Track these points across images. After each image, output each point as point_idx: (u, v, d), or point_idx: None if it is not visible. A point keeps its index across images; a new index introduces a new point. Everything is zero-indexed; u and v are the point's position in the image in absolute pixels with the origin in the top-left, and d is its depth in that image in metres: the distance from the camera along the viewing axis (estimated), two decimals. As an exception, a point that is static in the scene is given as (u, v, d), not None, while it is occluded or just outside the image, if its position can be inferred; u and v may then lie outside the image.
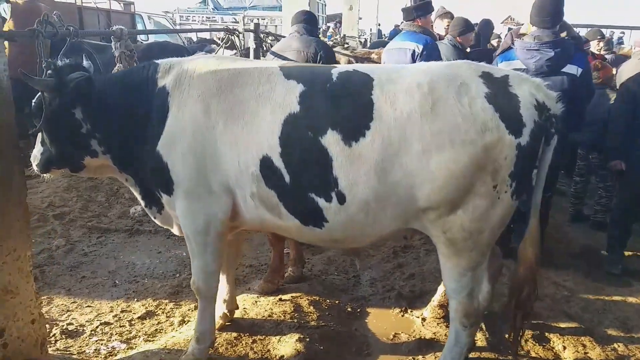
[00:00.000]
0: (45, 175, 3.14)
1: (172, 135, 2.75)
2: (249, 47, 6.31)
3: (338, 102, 2.55)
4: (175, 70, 2.84)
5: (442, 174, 2.41)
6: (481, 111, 2.38)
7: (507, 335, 3.52)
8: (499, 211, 2.52)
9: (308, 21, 4.69)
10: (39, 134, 3.02)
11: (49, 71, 2.80)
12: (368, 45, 14.54)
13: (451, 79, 2.46)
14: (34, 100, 2.87)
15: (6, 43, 7.03)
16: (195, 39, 14.14)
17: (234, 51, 6.36)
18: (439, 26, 6.12)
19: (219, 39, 9.99)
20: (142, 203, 3.22)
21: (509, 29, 6.58)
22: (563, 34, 4.35)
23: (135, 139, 2.91)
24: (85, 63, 2.94)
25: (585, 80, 4.15)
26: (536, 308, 3.94)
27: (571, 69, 4.05)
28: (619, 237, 4.84)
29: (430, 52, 4.66)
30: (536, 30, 4.23)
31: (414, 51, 4.72)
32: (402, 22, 5.42)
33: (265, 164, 2.62)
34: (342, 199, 2.56)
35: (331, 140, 2.50)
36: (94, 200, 6.35)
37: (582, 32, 9.02)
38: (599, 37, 8.19)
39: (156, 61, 2.98)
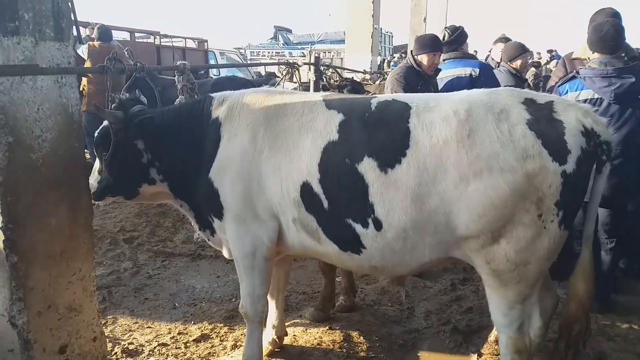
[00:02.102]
0: (99, 202, 3.37)
1: (222, 162, 2.92)
2: (310, 80, 6.48)
3: (375, 130, 2.60)
4: (228, 102, 3.02)
5: (481, 201, 2.37)
6: (522, 138, 2.32)
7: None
8: (546, 242, 2.41)
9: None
10: (96, 163, 3.28)
11: (114, 104, 3.06)
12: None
13: (490, 105, 2.43)
14: (97, 131, 3.13)
15: (84, 81, 7.71)
16: (263, 73, 14.75)
17: (295, 84, 6.55)
18: (496, 52, 6.03)
19: (281, 72, 10.36)
20: (196, 227, 3.39)
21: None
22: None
23: (190, 167, 3.10)
24: (142, 97, 3.20)
25: None
26: (606, 349, 3.68)
27: None
28: None
29: (488, 73, 4.60)
30: (604, 57, 4.01)
31: (470, 75, 4.68)
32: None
33: (305, 189, 2.71)
34: (378, 226, 2.57)
35: (367, 167, 2.55)
36: (161, 225, 6.70)
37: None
38: None
39: (212, 95, 3.18)
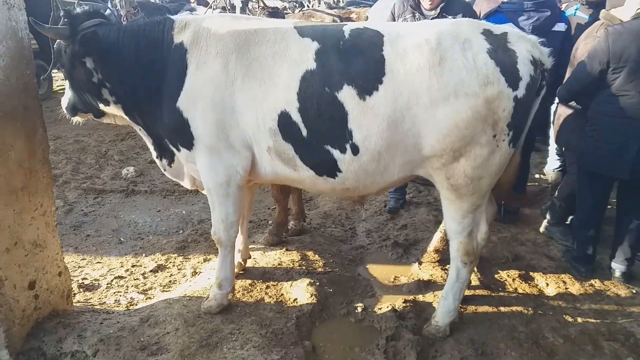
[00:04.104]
0: (73, 118, 3.34)
1: (192, 92, 2.85)
2: (235, 6, 6.30)
3: (351, 58, 2.69)
4: (192, 27, 2.91)
5: (447, 124, 2.61)
6: (484, 65, 2.57)
7: (497, 276, 3.92)
8: (498, 158, 2.75)
9: None
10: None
11: (65, 19, 2.85)
12: (341, 4, 14.46)
13: (456, 35, 2.64)
14: (54, 46, 2.96)
15: None
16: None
17: (219, 10, 6.33)
18: None
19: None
20: (154, 154, 3.35)
21: None
22: None
23: (149, 92, 2.99)
24: (107, 12, 2.99)
25: (569, 36, 4.41)
26: (520, 252, 4.33)
27: (560, 26, 4.29)
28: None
29: None
30: None
31: None
32: None
33: (283, 119, 2.77)
34: (356, 150, 2.74)
35: (347, 95, 2.67)
36: (83, 162, 6.37)
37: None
38: None
39: (171, 17, 3.05)
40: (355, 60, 2.70)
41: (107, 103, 3.13)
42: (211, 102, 2.84)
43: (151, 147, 3.36)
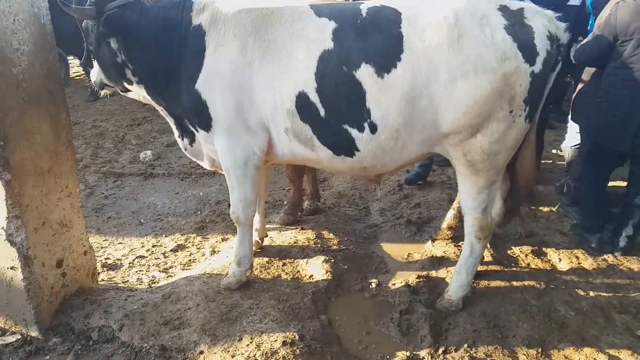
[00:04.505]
0: (101, 91, 3.48)
1: (210, 74, 2.91)
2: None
3: (369, 36, 2.72)
4: (209, 10, 2.96)
5: (466, 100, 2.65)
6: (501, 41, 2.60)
7: (509, 252, 3.97)
8: (514, 134, 2.79)
9: None
10: None
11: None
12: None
13: (473, 11, 2.65)
14: (82, 25, 3.08)
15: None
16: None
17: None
18: None
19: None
20: (176, 134, 3.43)
21: None
22: None
23: (168, 73, 3.05)
24: None
25: (583, 10, 4.39)
26: (533, 228, 4.37)
27: (575, 1, 4.27)
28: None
29: None
30: None
31: None
32: None
33: (301, 99, 2.81)
34: (374, 129, 2.79)
35: (365, 73, 2.70)
36: (102, 147, 6.51)
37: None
38: None
39: None
40: (372, 39, 2.72)
41: (130, 82, 3.21)
42: (229, 84, 2.90)
43: (173, 127, 3.44)
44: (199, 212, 4.87)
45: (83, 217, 4.70)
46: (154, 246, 4.26)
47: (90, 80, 3.48)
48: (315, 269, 3.61)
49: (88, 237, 3.37)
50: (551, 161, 6.03)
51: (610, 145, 3.85)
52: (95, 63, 3.31)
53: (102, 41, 3.06)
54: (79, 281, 3.26)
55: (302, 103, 2.83)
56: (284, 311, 3.12)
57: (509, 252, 4.01)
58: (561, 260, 3.89)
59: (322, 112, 2.83)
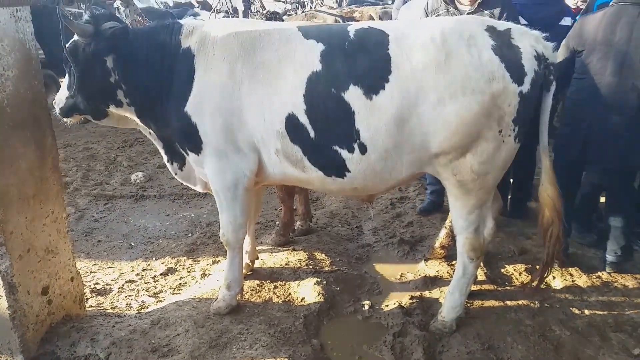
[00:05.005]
0: (65, 119, 3.26)
1: (200, 97, 2.91)
2: (238, 10, 6.37)
3: (357, 58, 2.73)
4: (198, 33, 2.97)
5: (455, 121, 2.65)
6: (489, 62, 2.61)
7: (503, 270, 3.92)
8: (504, 154, 2.79)
9: None
10: (65, 79, 3.14)
11: (86, 18, 2.91)
12: (344, 4, 14.50)
13: (460, 32, 2.67)
14: (67, 45, 2.95)
15: None
16: (171, 4, 13.87)
17: (223, 14, 6.40)
18: None
19: (198, 2, 9.92)
20: (165, 158, 3.40)
21: None
22: None
23: (158, 95, 3.04)
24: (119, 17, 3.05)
25: None
26: (526, 245, 4.35)
27: (566, 21, 4.33)
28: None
29: None
30: None
31: None
32: None
33: (290, 121, 2.81)
34: (363, 150, 2.78)
35: (353, 95, 2.70)
36: (93, 169, 6.46)
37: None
38: None
39: (180, 21, 3.11)
40: (360, 60, 2.74)
41: (119, 104, 3.14)
42: (219, 107, 2.90)
43: (162, 151, 3.41)
44: (190, 234, 4.82)
45: (73, 241, 4.64)
46: (144, 270, 4.19)
47: (55, 107, 3.22)
48: (307, 292, 3.56)
49: (75, 263, 3.31)
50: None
51: (561, 153, 3.95)
52: (62, 89, 3.18)
53: (95, 60, 2.99)
54: (66, 308, 3.20)
55: (292, 125, 2.82)
56: (274, 336, 3.06)
57: (502, 270, 3.98)
58: (555, 278, 3.86)
59: (311, 134, 2.82)
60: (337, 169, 2.90)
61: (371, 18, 7.94)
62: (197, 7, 11.19)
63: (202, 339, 3.00)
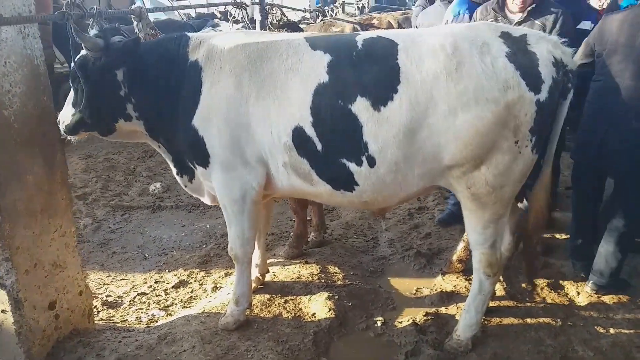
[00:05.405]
0: (70, 137, 3.16)
1: (207, 110, 2.87)
2: (255, 20, 6.35)
3: (365, 69, 2.65)
4: (205, 46, 2.94)
5: (468, 132, 2.53)
6: (503, 70, 2.49)
7: (524, 285, 3.76)
8: (521, 165, 2.65)
9: None
10: (70, 95, 3.09)
11: (95, 32, 2.90)
12: (366, 10, 14.43)
13: (473, 39, 2.56)
14: (75, 60, 2.93)
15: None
16: (194, 15, 14.01)
17: (241, 25, 6.38)
18: None
19: (220, 12, 9.97)
20: (174, 171, 3.36)
21: None
22: None
23: (166, 108, 3.01)
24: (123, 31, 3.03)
25: None
26: (549, 259, 4.17)
27: (585, 24, 4.14)
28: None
29: None
30: None
31: None
32: None
33: (297, 134, 2.74)
34: (372, 163, 2.69)
35: (361, 106, 2.62)
36: (112, 179, 6.52)
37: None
38: None
39: (187, 34, 3.08)
40: (368, 71, 2.65)
41: (129, 118, 3.09)
42: (226, 120, 2.85)
43: (171, 164, 3.38)
44: (204, 246, 4.79)
45: (88, 252, 4.73)
46: (156, 282, 4.17)
47: (60, 125, 3.08)
48: (318, 307, 3.48)
49: (84, 277, 3.31)
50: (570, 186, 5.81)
51: (577, 159, 3.82)
52: (67, 106, 3.10)
53: (106, 74, 2.94)
54: (74, 322, 3.18)
55: (299, 137, 2.76)
56: (282, 353, 2.99)
57: (523, 285, 3.80)
58: (579, 294, 3.68)
59: (319, 147, 2.75)
60: (345, 182, 2.81)
61: (390, 25, 7.85)
62: (219, 18, 11.26)
63: (208, 355, 2.94)
